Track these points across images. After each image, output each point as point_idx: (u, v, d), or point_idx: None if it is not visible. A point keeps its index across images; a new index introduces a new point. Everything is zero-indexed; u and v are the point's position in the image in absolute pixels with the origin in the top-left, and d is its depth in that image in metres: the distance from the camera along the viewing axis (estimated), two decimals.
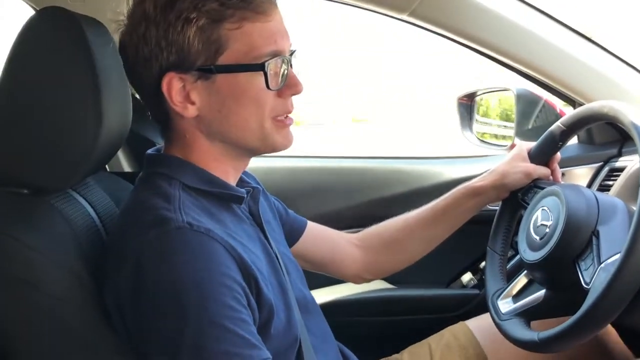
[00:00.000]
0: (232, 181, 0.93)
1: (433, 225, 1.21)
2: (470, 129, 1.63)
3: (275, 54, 0.86)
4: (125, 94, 0.94)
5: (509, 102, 1.57)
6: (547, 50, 1.38)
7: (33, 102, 0.86)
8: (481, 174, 1.22)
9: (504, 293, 1.10)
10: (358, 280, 1.26)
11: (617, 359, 1.20)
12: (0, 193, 0.89)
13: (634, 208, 0.88)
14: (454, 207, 1.20)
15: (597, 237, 0.94)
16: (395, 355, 1.27)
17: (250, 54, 0.84)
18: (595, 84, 1.39)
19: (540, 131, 1.20)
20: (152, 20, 0.83)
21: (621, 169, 1.33)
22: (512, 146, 1.34)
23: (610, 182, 1.35)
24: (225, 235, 0.82)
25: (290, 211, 1.17)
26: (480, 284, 1.58)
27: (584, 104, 1.17)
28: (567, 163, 1.39)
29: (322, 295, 1.52)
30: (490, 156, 1.64)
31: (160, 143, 0.95)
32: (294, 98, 0.92)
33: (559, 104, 1.48)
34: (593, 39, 1.40)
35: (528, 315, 1.04)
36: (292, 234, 1.15)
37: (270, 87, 0.86)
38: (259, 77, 0.85)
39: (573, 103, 1.43)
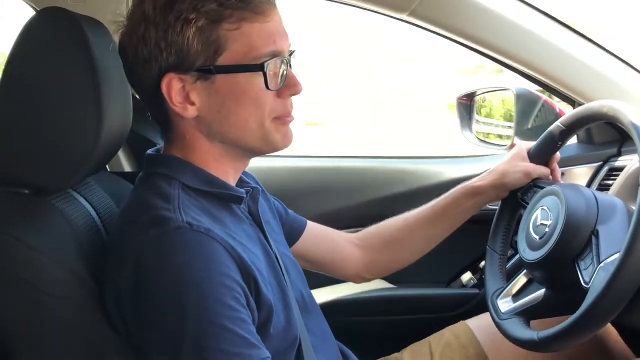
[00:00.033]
0: (232, 181, 0.93)
1: (433, 225, 1.21)
2: (470, 129, 1.63)
3: (275, 55, 0.86)
4: (126, 94, 0.95)
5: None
6: (547, 50, 1.38)
7: (34, 102, 0.86)
8: (481, 173, 1.22)
9: (504, 292, 1.10)
10: (358, 279, 1.26)
11: (617, 358, 1.20)
12: (1, 193, 0.90)
13: (634, 208, 0.88)
14: (454, 207, 1.20)
15: (597, 237, 0.94)
16: (395, 355, 1.27)
17: (250, 54, 0.85)
18: (595, 84, 1.39)
19: (540, 131, 1.20)
20: (151, 21, 0.83)
21: (621, 169, 1.33)
22: (512, 146, 1.34)
23: (610, 182, 1.36)
24: (225, 236, 0.82)
25: (290, 211, 1.17)
26: (480, 283, 1.58)
27: (584, 104, 1.17)
28: (566, 163, 1.39)
29: (322, 295, 1.53)
30: (490, 156, 1.65)
31: (161, 143, 0.95)
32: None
33: (558, 103, 1.48)
34: (592, 38, 1.40)
35: (528, 314, 1.04)
36: (292, 234, 1.15)
37: (270, 87, 0.86)
38: (259, 78, 0.85)
39: (573, 103, 1.43)
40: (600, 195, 1.01)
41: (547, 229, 1.00)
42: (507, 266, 1.19)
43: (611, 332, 1.22)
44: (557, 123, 1.15)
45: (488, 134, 1.67)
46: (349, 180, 1.67)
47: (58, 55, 0.87)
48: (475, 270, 1.61)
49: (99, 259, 0.87)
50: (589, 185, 1.42)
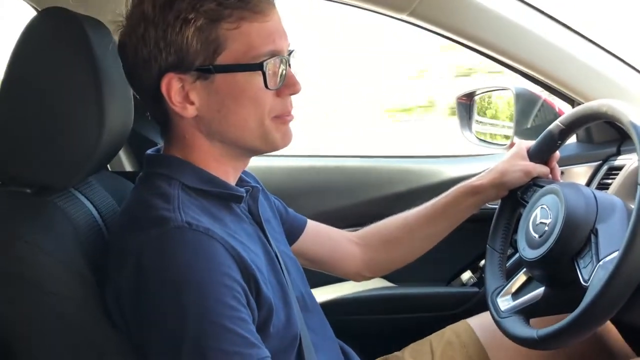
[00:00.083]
0: (232, 181, 0.94)
1: (433, 223, 1.21)
2: (470, 128, 1.63)
3: (274, 54, 0.86)
4: (127, 94, 0.95)
5: None
6: (547, 49, 1.38)
7: (35, 101, 0.87)
8: (481, 172, 1.23)
9: (504, 291, 1.10)
10: (358, 278, 1.26)
11: (617, 356, 1.21)
12: (3, 192, 0.90)
13: (633, 206, 0.88)
14: (454, 205, 1.20)
15: (596, 235, 0.94)
16: (396, 353, 1.27)
17: (249, 53, 0.85)
18: (594, 83, 1.39)
19: (539, 130, 1.20)
20: (150, 21, 0.83)
21: (620, 168, 1.34)
22: (511, 145, 1.34)
23: (609, 181, 1.36)
24: (225, 235, 0.82)
25: (290, 210, 1.17)
26: (480, 282, 1.58)
27: (583, 103, 1.18)
28: (566, 162, 1.39)
29: (323, 294, 1.53)
30: (490, 155, 1.65)
31: (161, 142, 0.95)
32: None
33: (557, 103, 1.48)
34: (591, 37, 1.40)
35: (527, 312, 1.04)
36: (292, 233, 1.15)
37: (269, 86, 0.86)
38: (258, 77, 0.85)
39: (572, 102, 1.43)
40: (599, 193, 1.02)
41: (546, 228, 1.00)
42: (507, 264, 1.19)
43: (610, 330, 1.22)
44: (557, 122, 1.15)
45: (490, 134, 1.67)
46: (348, 179, 1.67)
47: (59, 55, 0.87)
48: (475, 269, 1.61)
49: (100, 258, 0.87)
50: (588, 184, 1.42)
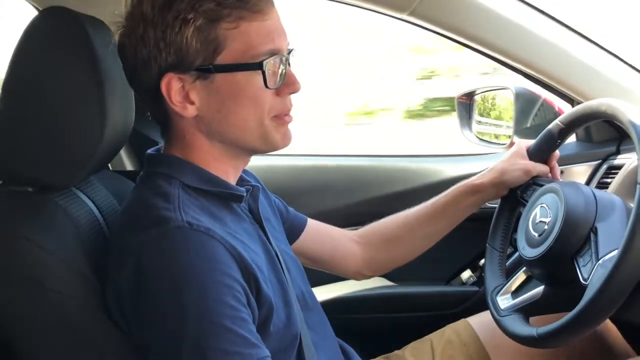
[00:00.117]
0: (232, 180, 0.94)
1: (433, 222, 1.22)
2: (470, 127, 1.64)
3: (273, 53, 0.86)
4: (128, 93, 0.95)
5: None
6: (546, 49, 1.38)
7: (37, 101, 0.87)
8: (480, 171, 1.23)
9: (503, 289, 1.10)
10: (358, 276, 1.27)
11: (617, 355, 1.21)
12: (5, 191, 0.90)
13: (632, 205, 0.88)
14: (454, 204, 1.21)
15: (595, 234, 0.94)
16: (396, 352, 1.27)
17: (248, 53, 0.85)
18: (593, 82, 1.39)
19: (539, 129, 1.20)
20: (150, 21, 0.83)
21: (619, 167, 1.34)
22: (511, 144, 1.35)
23: (609, 180, 1.36)
24: (225, 234, 0.83)
25: (290, 208, 1.18)
26: (480, 281, 1.58)
27: (583, 102, 1.18)
28: (565, 161, 1.39)
29: (323, 293, 1.53)
30: (489, 154, 1.65)
31: (162, 142, 0.96)
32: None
33: (557, 102, 1.49)
34: (591, 37, 1.40)
35: (527, 311, 1.04)
36: (293, 231, 1.15)
37: (269, 85, 0.86)
38: (257, 76, 0.85)
39: (571, 101, 1.44)
40: (599, 192, 1.02)
41: (546, 226, 1.00)
42: (507, 263, 1.20)
43: (611, 328, 1.23)
44: (556, 121, 1.15)
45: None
46: (348, 178, 1.68)
47: (61, 54, 0.87)
48: (475, 268, 1.61)
49: (101, 258, 0.87)
50: (588, 183, 1.43)
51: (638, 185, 0.88)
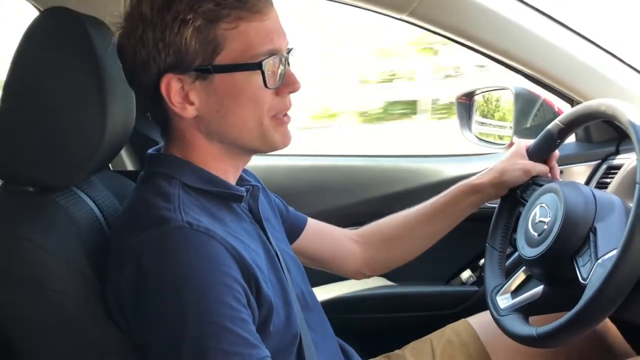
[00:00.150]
0: (232, 180, 0.94)
1: (432, 222, 1.22)
2: (469, 128, 1.64)
3: (272, 53, 0.86)
4: (129, 93, 0.95)
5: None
6: (546, 49, 1.38)
7: (38, 101, 0.87)
8: (480, 171, 1.23)
9: (503, 289, 1.10)
10: (358, 276, 1.27)
11: (616, 354, 1.21)
12: (6, 191, 0.91)
13: (631, 205, 0.88)
14: (453, 204, 1.21)
15: (595, 234, 0.95)
16: (397, 351, 1.28)
17: (247, 53, 0.85)
18: (593, 82, 1.40)
19: (539, 129, 1.20)
20: (149, 22, 0.83)
21: (619, 167, 1.34)
22: (511, 144, 1.35)
23: (608, 180, 1.36)
24: (225, 234, 0.83)
25: (290, 208, 1.18)
26: (480, 281, 1.58)
27: (582, 103, 1.18)
28: (565, 161, 1.39)
29: (323, 292, 1.53)
30: (489, 154, 1.65)
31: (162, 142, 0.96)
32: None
33: (557, 102, 1.49)
34: (591, 37, 1.41)
35: (526, 310, 1.04)
36: (293, 231, 1.16)
37: (268, 85, 0.86)
38: (257, 76, 0.85)
39: (571, 102, 1.44)
40: (598, 192, 1.02)
41: (545, 226, 1.01)
42: (506, 263, 1.20)
43: (610, 328, 1.23)
44: (556, 121, 1.15)
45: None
46: (348, 178, 1.68)
47: (62, 55, 0.87)
48: (475, 268, 1.61)
49: (102, 257, 0.87)
50: (587, 183, 1.43)
51: (637, 185, 0.88)
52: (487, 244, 1.20)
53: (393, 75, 6.46)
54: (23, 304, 0.83)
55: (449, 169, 1.63)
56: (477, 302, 1.52)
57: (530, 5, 1.38)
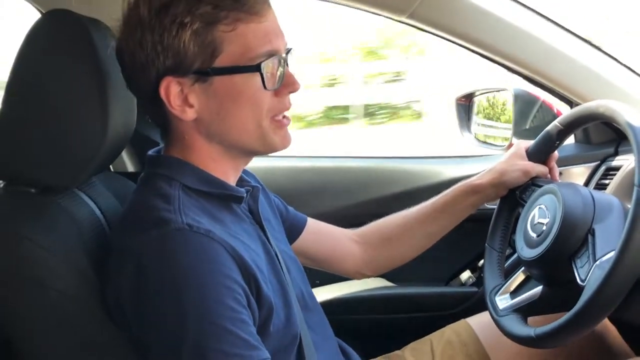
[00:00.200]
0: (232, 181, 0.94)
1: (432, 222, 1.22)
2: (469, 129, 1.64)
3: (271, 54, 0.86)
4: (130, 95, 0.96)
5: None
6: (545, 51, 1.39)
7: (40, 102, 0.87)
8: (480, 172, 1.23)
9: (502, 289, 1.11)
10: (358, 276, 1.27)
11: (615, 355, 1.21)
12: (7, 192, 0.91)
13: (630, 206, 0.89)
14: (453, 204, 1.21)
15: (593, 235, 0.95)
16: (396, 352, 1.28)
17: (246, 55, 0.85)
18: (592, 84, 1.40)
19: (538, 131, 1.20)
20: (147, 25, 0.83)
21: (617, 168, 1.34)
22: (510, 146, 1.35)
23: (607, 181, 1.36)
24: (226, 236, 0.83)
25: (290, 208, 1.18)
26: (479, 281, 1.59)
27: (581, 104, 1.18)
28: (564, 162, 1.39)
29: (323, 293, 1.53)
30: (489, 156, 1.65)
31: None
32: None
33: (556, 104, 1.49)
34: (589, 40, 1.41)
35: (525, 311, 1.04)
36: (293, 231, 1.16)
37: (267, 87, 0.86)
38: (256, 78, 0.85)
39: (570, 103, 1.44)
40: (597, 193, 1.02)
41: (544, 227, 1.01)
42: (506, 264, 1.20)
43: (610, 329, 1.23)
44: (555, 122, 1.15)
45: (489, 135, 1.67)
46: (348, 179, 1.68)
47: (64, 57, 0.88)
48: (474, 269, 1.62)
49: (102, 258, 0.88)
50: (586, 184, 1.43)
51: (635, 187, 0.88)
52: (486, 245, 1.21)
53: (334, 79, 6.49)
54: (24, 303, 0.84)
55: (448, 170, 1.63)
56: (476, 302, 1.52)
57: (529, 7, 1.38)
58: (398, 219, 1.24)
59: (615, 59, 1.40)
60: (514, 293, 1.08)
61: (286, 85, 0.89)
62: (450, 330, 1.28)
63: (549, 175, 1.19)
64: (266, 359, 0.80)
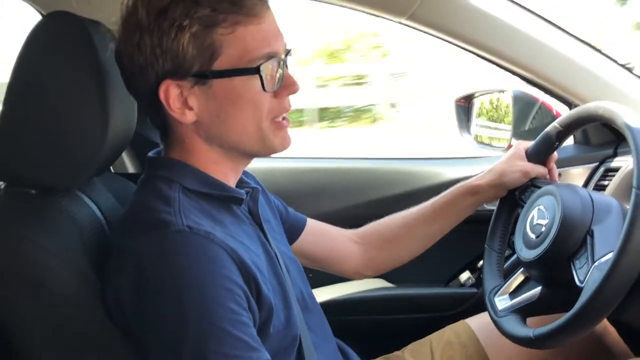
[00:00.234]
0: (232, 182, 0.94)
1: (431, 223, 1.22)
2: (468, 130, 1.64)
3: (270, 56, 0.86)
4: (131, 96, 0.96)
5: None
6: (545, 53, 1.39)
7: (41, 103, 0.88)
8: (479, 173, 1.23)
9: (501, 290, 1.11)
10: (357, 276, 1.27)
11: (615, 355, 1.21)
12: (8, 193, 0.91)
13: (628, 207, 0.89)
14: (452, 205, 1.21)
15: (592, 236, 0.95)
16: (396, 353, 1.28)
17: (245, 57, 0.85)
18: (591, 86, 1.40)
19: (537, 132, 1.21)
20: (145, 29, 0.83)
21: (616, 169, 1.34)
22: (509, 147, 1.35)
23: (606, 182, 1.36)
24: (226, 237, 0.83)
25: (290, 209, 1.18)
26: (479, 282, 1.59)
27: (580, 105, 1.19)
28: (563, 163, 1.40)
29: (323, 294, 1.54)
30: (489, 157, 1.66)
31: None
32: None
33: (555, 105, 1.49)
34: (589, 41, 1.41)
35: (524, 312, 1.05)
36: (292, 232, 1.16)
37: (266, 89, 0.86)
38: (255, 80, 0.85)
39: (569, 104, 1.44)
40: (596, 195, 1.02)
41: (543, 228, 1.01)
42: (505, 265, 1.20)
43: (609, 329, 1.23)
44: (554, 123, 1.16)
45: (488, 136, 1.67)
46: (348, 180, 1.68)
47: (64, 58, 0.88)
48: (474, 270, 1.62)
49: (103, 259, 0.88)
50: (585, 185, 1.43)
51: (634, 190, 0.88)
52: (485, 246, 1.21)
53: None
54: (24, 304, 0.84)
55: (448, 172, 1.63)
56: (476, 303, 1.52)
57: (528, 9, 1.38)
58: (398, 219, 1.24)
59: (614, 61, 1.41)
60: (513, 294, 1.09)
61: (285, 87, 0.89)
62: (449, 331, 1.28)
63: (548, 176, 1.19)
64: None
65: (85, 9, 0.95)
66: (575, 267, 0.95)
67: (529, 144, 1.21)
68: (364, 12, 1.38)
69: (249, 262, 0.83)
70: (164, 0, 0.83)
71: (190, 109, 0.87)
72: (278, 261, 0.96)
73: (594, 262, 0.91)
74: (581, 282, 0.92)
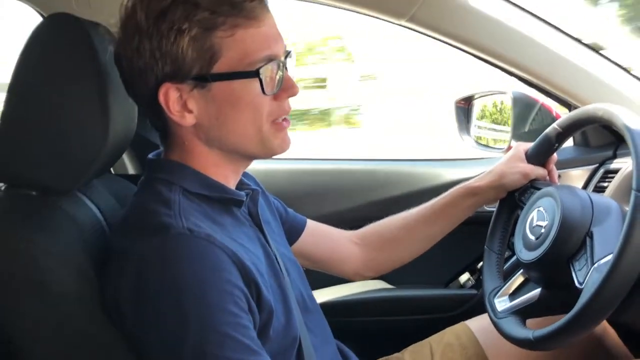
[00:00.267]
0: (232, 184, 0.94)
1: (431, 224, 1.22)
2: (468, 132, 1.64)
3: (270, 59, 0.86)
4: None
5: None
6: (544, 55, 1.39)
7: (41, 105, 0.88)
8: (479, 174, 1.23)
9: (501, 291, 1.11)
10: (357, 277, 1.27)
11: (614, 357, 1.21)
12: (8, 194, 0.91)
13: (628, 209, 0.89)
14: (452, 206, 1.21)
15: (591, 238, 0.95)
16: (396, 354, 1.28)
17: (244, 60, 0.84)
18: (591, 87, 1.40)
19: (537, 134, 1.21)
20: (144, 32, 0.83)
21: (616, 171, 1.35)
22: (509, 148, 1.35)
23: (605, 184, 1.37)
24: (226, 240, 0.83)
25: (289, 210, 1.18)
26: (478, 284, 1.59)
27: (579, 107, 1.19)
28: (563, 165, 1.40)
29: (322, 295, 1.54)
30: (488, 158, 1.66)
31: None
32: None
33: (555, 107, 1.50)
34: (588, 43, 1.41)
35: (524, 313, 1.05)
36: (292, 233, 1.16)
37: (266, 92, 0.86)
38: (255, 83, 0.85)
39: (569, 106, 1.45)
40: (595, 196, 1.02)
41: (542, 230, 1.01)
42: (505, 266, 1.20)
43: (609, 331, 1.23)
44: (554, 125, 1.16)
45: (488, 138, 1.67)
46: (347, 182, 1.68)
47: (65, 60, 0.88)
48: (473, 271, 1.62)
49: (103, 261, 0.88)
50: (585, 187, 1.43)
51: (633, 192, 0.88)
52: (485, 247, 1.21)
53: None
54: (25, 304, 0.83)
55: (447, 173, 1.63)
56: (475, 305, 1.52)
57: (527, 10, 1.38)
58: (397, 220, 1.24)
59: (614, 62, 1.41)
60: (513, 295, 1.09)
61: (285, 89, 0.89)
62: (449, 333, 1.28)
63: (547, 178, 1.19)
64: None
65: (85, 10, 0.96)
66: (574, 269, 0.95)
67: (529, 145, 1.21)
68: (363, 14, 1.38)
69: (250, 265, 0.83)
70: (163, 3, 0.82)
71: (190, 111, 0.86)
72: (278, 263, 0.96)
73: (593, 263, 0.91)
74: (581, 283, 0.92)
